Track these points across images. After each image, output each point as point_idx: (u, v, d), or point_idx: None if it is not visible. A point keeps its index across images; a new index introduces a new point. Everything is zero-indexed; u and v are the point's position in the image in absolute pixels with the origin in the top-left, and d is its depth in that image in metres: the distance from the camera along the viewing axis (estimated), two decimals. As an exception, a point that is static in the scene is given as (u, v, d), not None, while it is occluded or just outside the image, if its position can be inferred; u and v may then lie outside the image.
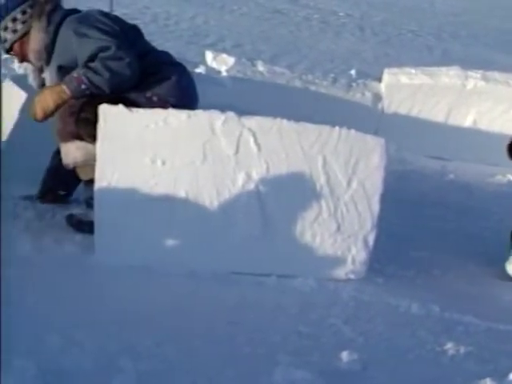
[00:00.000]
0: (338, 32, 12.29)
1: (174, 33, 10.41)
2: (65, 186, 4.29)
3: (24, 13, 3.97)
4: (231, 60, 6.87)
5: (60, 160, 4.10)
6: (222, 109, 3.71)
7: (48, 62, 3.97)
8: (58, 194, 4.29)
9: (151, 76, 3.91)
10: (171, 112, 3.65)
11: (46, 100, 3.82)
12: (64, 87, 3.79)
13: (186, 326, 3.18)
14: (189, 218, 3.68)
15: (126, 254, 3.66)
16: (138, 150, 3.64)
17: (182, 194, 3.65)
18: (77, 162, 3.89)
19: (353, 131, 3.70)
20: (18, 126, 4.32)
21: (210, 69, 6.72)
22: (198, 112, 3.69)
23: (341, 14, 13.83)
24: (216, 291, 3.54)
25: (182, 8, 12.22)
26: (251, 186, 3.67)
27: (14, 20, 3.96)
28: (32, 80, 4.18)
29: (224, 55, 7.08)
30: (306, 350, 3.10)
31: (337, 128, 3.69)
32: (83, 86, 3.76)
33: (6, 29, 3.98)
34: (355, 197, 3.71)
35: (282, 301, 3.52)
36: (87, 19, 3.91)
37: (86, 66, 3.77)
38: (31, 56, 3.99)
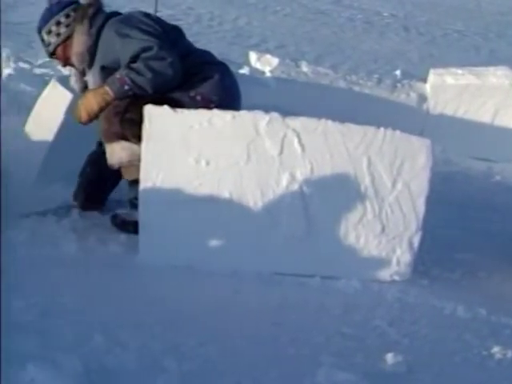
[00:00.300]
0: (381, 32, 12.23)
1: (217, 34, 10.46)
2: (102, 193, 4.29)
3: (68, 16, 4.01)
4: (275, 61, 6.87)
5: (96, 168, 4.15)
6: (267, 109, 3.71)
7: (91, 64, 4.00)
8: (96, 201, 4.26)
9: (194, 76, 3.92)
10: (216, 112, 3.65)
11: (90, 102, 3.85)
12: (107, 89, 3.82)
13: (230, 327, 3.17)
14: (233, 219, 3.68)
15: (170, 254, 3.67)
16: (182, 151, 3.65)
17: (226, 194, 3.66)
18: (122, 163, 3.90)
19: (398, 132, 3.67)
20: (63, 126, 4.35)
21: (253, 69, 6.73)
22: (243, 113, 3.69)
23: (385, 14, 13.76)
24: (259, 292, 3.54)
25: (225, 9, 12.26)
26: (295, 187, 3.66)
27: (58, 23, 4.01)
28: (74, 83, 4.20)
29: (268, 56, 7.09)
30: (349, 351, 3.07)
31: (382, 129, 3.66)
32: (126, 87, 3.78)
33: (49, 32, 4.02)
34: (400, 198, 3.68)
35: (326, 302, 3.50)
36: (129, 20, 3.94)
37: (128, 66, 3.79)
38: (74, 59, 4.02)
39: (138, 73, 3.76)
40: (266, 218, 3.69)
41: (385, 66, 9.23)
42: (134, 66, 3.78)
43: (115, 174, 4.10)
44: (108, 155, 3.92)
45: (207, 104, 3.84)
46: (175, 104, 3.75)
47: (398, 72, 7.41)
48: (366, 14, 13.47)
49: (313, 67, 6.87)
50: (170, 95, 3.85)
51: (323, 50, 10.12)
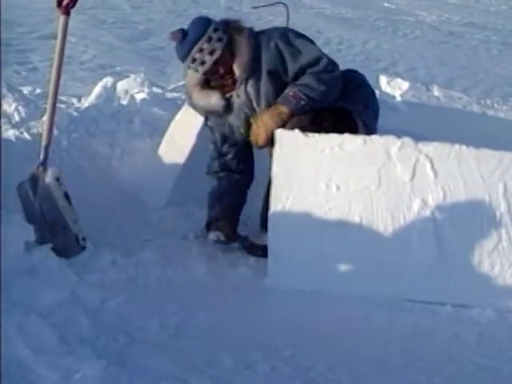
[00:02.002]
0: (518, 54, 11.90)
1: (346, 57, 10.42)
2: (236, 223, 4.23)
3: (216, 30, 3.93)
4: (405, 84, 6.79)
5: (234, 196, 4.16)
6: (398, 134, 3.67)
7: (250, 75, 3.95)
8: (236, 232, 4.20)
9: (347, 85, 3.99)
10: (347, 137, 3.64)
11: (268, 124, 3.87)
12: (282, 108, 3.84)
13: (359, 352, 3.14)
14: (362, 244, 3.65)
15: (298, 279, 3.68)
16: (312, 175, 3.66)
17: (356, 219, 3.63)
18: None
19: (536, 158, 3.56)
20: (195, 149, 4.43)
21: (384, 93, 6.67)
22: (374, 137, 3.66)
23: (522, 34, 13.39)
24: (389, 318, 3.48)
25: (354, 33, 12.25)
26: (427, 213, 3.59)
27: (209, 39, 3.90)
28: (215, 101, 4.03)
29: (398, 79, 7.01)
30: (484, 382, 2.98)
31: (519, 154, 3.56)
32: (303, 102, 3.82)
33: (201, 50, 3.90)
34: (537, 226, 3.56)
35: (458, 331, 3.41)
36: (291, 31, 4.01)
37: (296, 84, 3.84)
38: (237, 69, 3.94)
39: (311, 87, 3.82)
40: (396, 244, 3.63)
41: (520, 90, 8.96)
42: (303, 81, 3.83)
43: (245, 200, 4.21)
44: None
45: (367, 110, 3.95)
46: (345, 113, 3.85)
47: (534, 95, 7.20)
48: (502, 36, 13.14)
49: (444, 91, 6.76)
50: (340, 105, 3.90)
51: (454, 74, 9.93)
